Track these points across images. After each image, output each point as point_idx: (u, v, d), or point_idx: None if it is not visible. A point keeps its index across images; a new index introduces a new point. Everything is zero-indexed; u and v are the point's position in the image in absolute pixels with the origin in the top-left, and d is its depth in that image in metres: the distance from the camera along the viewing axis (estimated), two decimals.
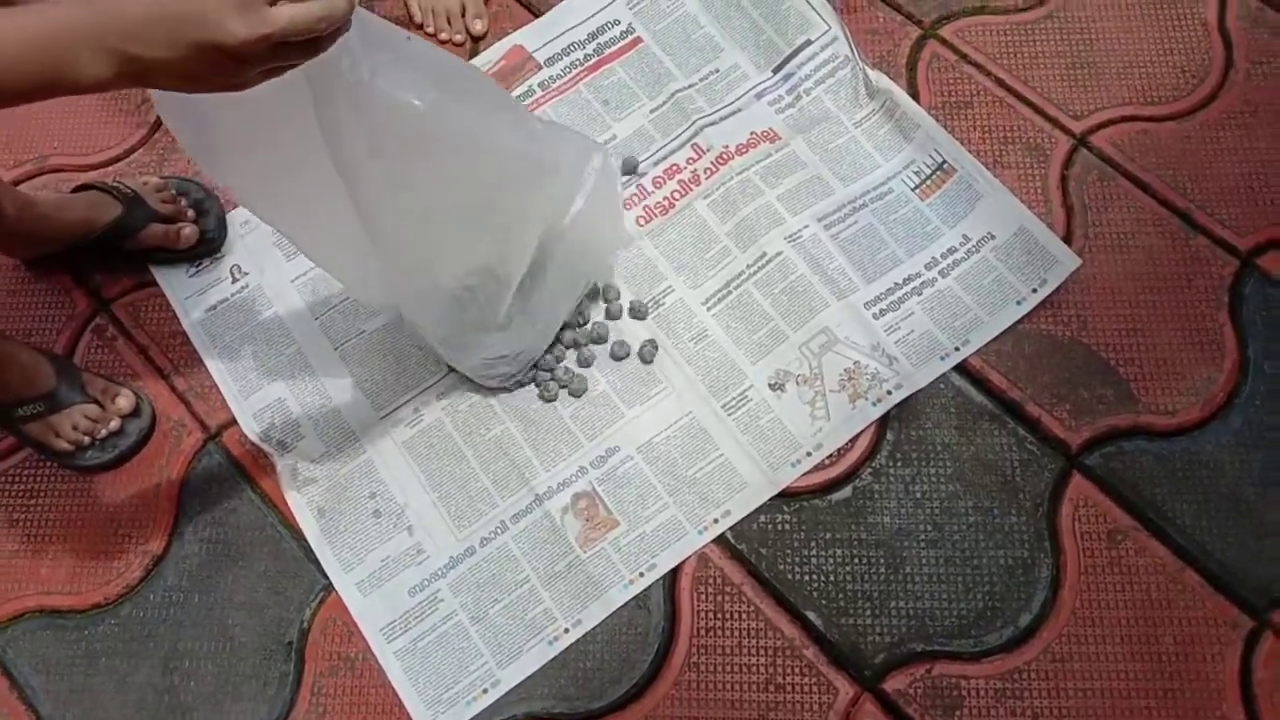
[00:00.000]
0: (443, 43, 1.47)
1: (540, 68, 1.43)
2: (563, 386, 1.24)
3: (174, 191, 1.34)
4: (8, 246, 1.30)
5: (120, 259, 1.33)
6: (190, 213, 1.33)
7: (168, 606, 1.20)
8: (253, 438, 1.25)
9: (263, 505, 1.23)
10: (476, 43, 1.47)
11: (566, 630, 1.16)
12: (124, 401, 1.25)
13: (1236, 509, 1.16)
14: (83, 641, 1.19)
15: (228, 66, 0.69)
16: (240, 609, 1.19)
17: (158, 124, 1.43)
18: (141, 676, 1.17)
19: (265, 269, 1.34)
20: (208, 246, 1.34)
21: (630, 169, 1.35)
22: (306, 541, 1.21)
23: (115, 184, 1.30)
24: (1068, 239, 1.28)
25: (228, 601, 1.20)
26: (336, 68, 0.81)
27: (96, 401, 1.24)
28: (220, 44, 0.67)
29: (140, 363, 1.30)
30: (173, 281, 1.34)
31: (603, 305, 1.28)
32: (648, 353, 1.25)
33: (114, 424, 1.24)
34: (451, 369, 1.26)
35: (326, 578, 1.19)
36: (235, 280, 1.34)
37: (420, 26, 1.48)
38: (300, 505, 1.22)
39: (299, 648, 1.17)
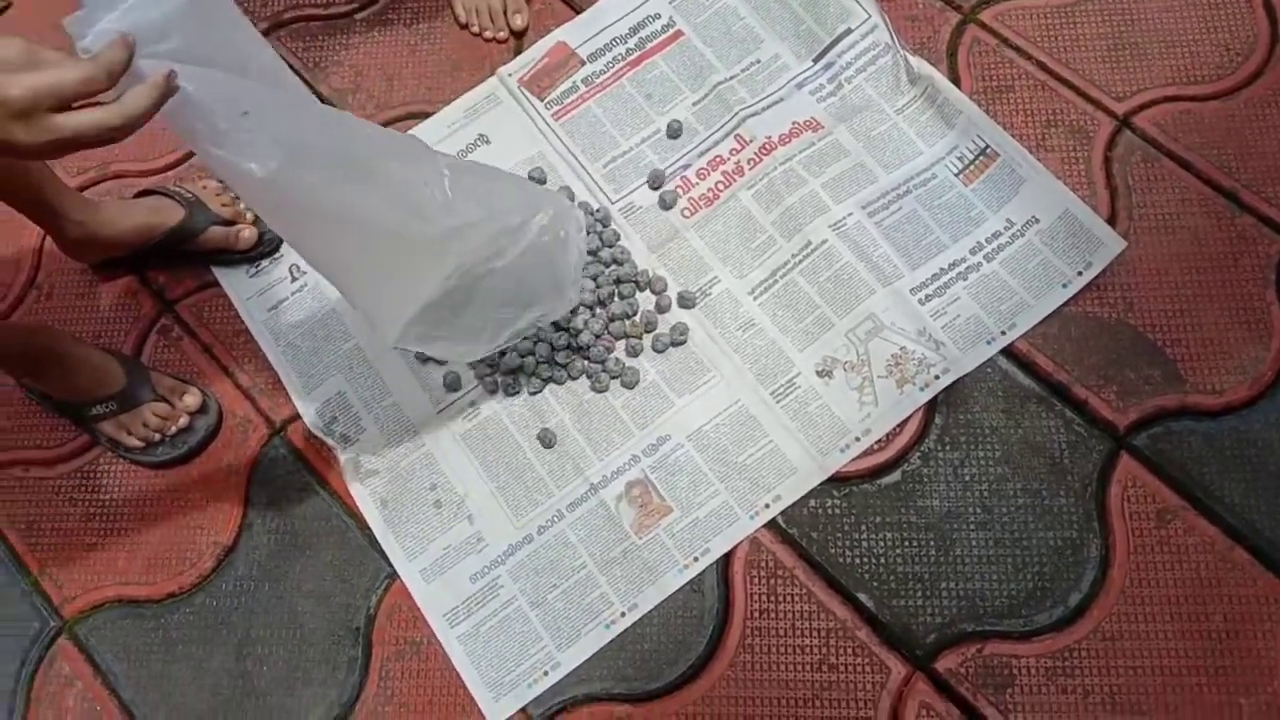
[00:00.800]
0: (487, 40, 1.50)
1: (583, 64, 1.45)
2: (614, 377, 1.27)
3: (233, 195, 1.37)
4: (75, 251, 1.33)
5: (182, 261, 1.37)
6: (249, 215, 1.37)
7: (239, 595, 1.24)
8: (316, 431, 1.29)
9: (328, 497, 1.27)
10: (519, 39, 1.50)
11: (623, 614, 1.18)
12: (191, 399, 1.29)
13: None
14: (160, 629, 1.23)
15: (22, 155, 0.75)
16: (309, 597, 1.23)
17: None
18: (216, 662, 1.21)
19: None
20: (267, 247, 1.38)
21: (656, 183, 1.37)
22: (371, 531, 1.24)
23: (176, 189, 1.34)
24: (1112, 221, 1.29)
25: (296, 590, 1.24)
26: (190, 131, 0.83)
27: (165, 400, 1.28)
28: (10, 145, 0.73)
29: (205, 361, 1.34)
30: (234, 282, 1.37)
31: (651, 297, 1.31)
32: (677, 334, 1.28)
33: (183, 421, 1.28)
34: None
35: (391, 566, 1.23)
36: (294, 279, 1.37)
37: (465, 26, 1.50)
38: (364, 496, 1.26)
39: (366, 633, 1.21)
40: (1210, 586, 1.14)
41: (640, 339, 1.28)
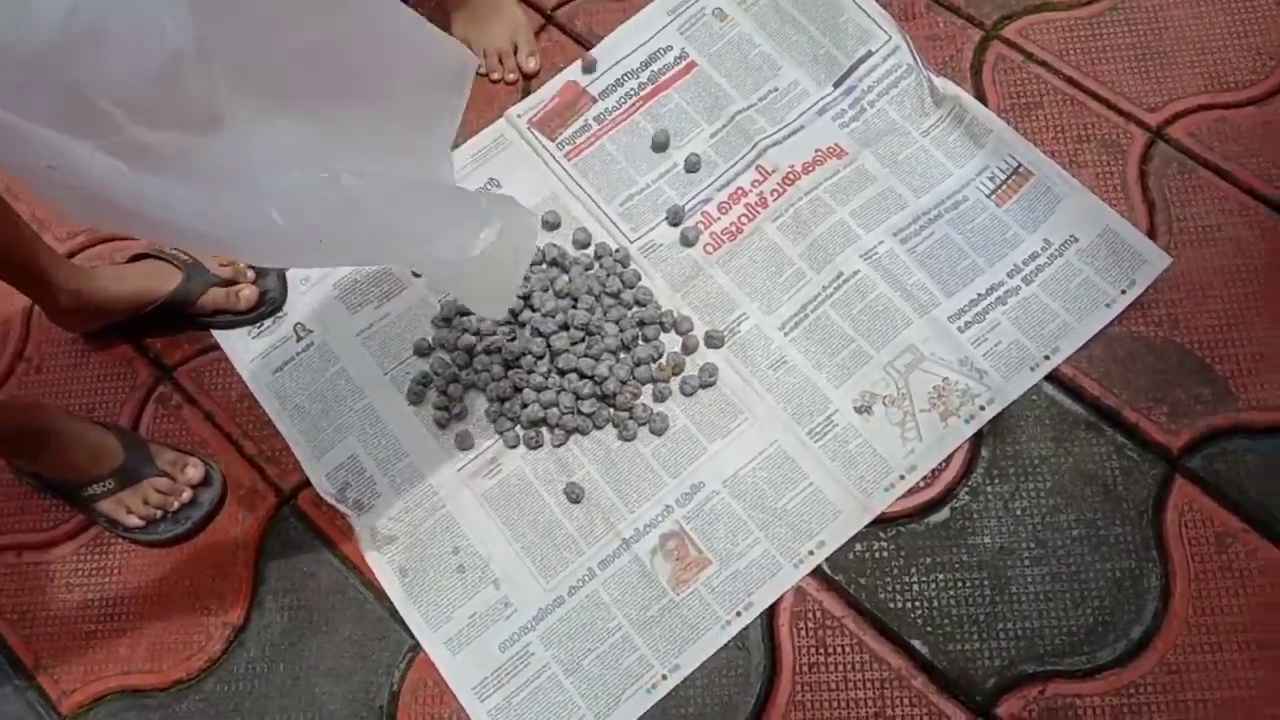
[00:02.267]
0: (495, 82, 1.61)
1: (595, 101, 1.57)
2: (642, 424, 1.37)
3: None
4: (67, 321, 1.42)
5: (181, 325, 1.47)
6: (250, 273, 1.47)
7: (252, 678, 1.31)
8: (328, 499, 1.36)
9: (343, 567, 1.35)
10: (529, 80, 1.62)
11: (664, 676, 1.26)
12: (194, 471, 1.37)
13: None
14: None
15: None
16: (327, 676, 1.31)
17: None
18: None
19: (329, 324, 1.47)
20: (269, 306, 1.48)
21: (676, 219, 1.47)
22: (390, 602, 1.32)
23: (173, 251, 1.44)
24: (1151, 235, 1.40)
25: (314, 669, 1.31)
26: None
27: (166, 474, 1.36)
28: None
29: (208, 429, 1.44)
30: (235, 344, 1.47)
31: (677, 338, 1.41)
32: (705, 375, 1.37)
33: (185, 495, 1.36)
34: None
35: (413, 638, 1.31)
36: (300, 339, 1.47)
37: None
38: (381, 565, 1.34)
39: (390, 712, 1.28)
40: (1276, 611, 1.22)
41: (668, 382, 1.38)
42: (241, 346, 1.47)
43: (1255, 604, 1.23)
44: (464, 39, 1.60)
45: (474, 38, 1.60)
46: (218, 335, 1.48)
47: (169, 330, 1.48)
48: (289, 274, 1.51)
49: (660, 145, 1.51)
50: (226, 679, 1.32)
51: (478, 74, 1.59)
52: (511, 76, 1.61)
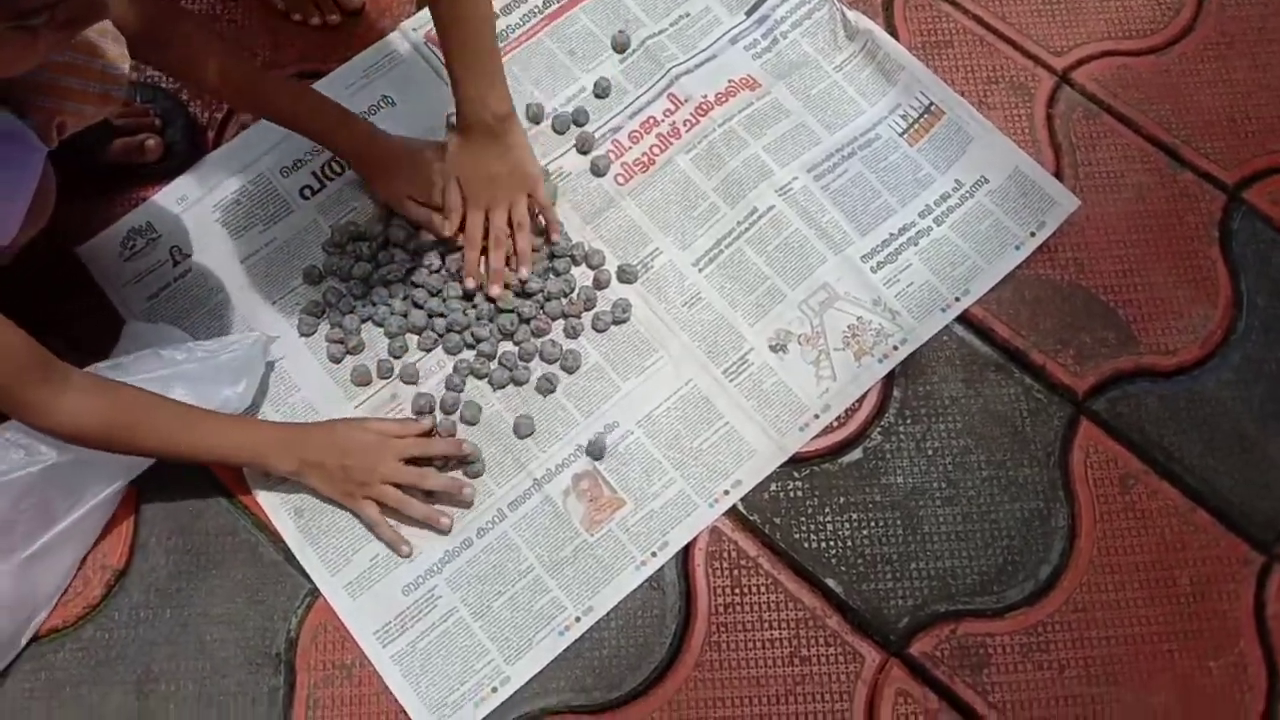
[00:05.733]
0: (314, 26, 1.46)
1: (496, 17, 1.43)
2: (552, 363, 1.28)
3: (140, 100, 1.34)
4: None
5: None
6: (158, 123, 1.34)
7: (136, 625, 1.20)
8: None
9: (232, 508, 1.24)
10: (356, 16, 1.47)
11: (578, 619, 1.20)
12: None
13: (1241, 445, 1.27)
14: (43, 670, 1.18)
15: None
16: (218, 622, 1.20)
17: None
18: (113, 704, 1.17)
19: (208, 248, 1.34)
20: (175, 161, 1.36)
21: (585, 146, 1.38)
22: (285, 544, 1.22)
23: None
24: (1059, 179, 1.37)
25: (203, 615, 1.21)
26: None
27: None
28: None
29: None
30: (108, 270, 1.32)
31: (589, 272, 1.32)
32: (618, 311, 1.29)
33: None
34: None
35: (311, 582, 1.21)
36: (176, 263, 1.33)
37: (286, 14, 1.46)
38: (275, 506, 1.23)
39: (288, 659, 1.19)
40: (1175, 550, 1.23)
41: (579, 318, 1.30)
42: (114, 270, 1.32)
43: (1155, 543, 1.23)
44: None
45: None
46: (87, 260, 1.32)
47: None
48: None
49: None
50: (107, 626, 1.20)
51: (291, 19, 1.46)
52: (334, 18, 1.46)
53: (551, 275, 1.31)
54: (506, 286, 1.29)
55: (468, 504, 1.23)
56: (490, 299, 1.29)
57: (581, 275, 1.32)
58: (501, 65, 1.23)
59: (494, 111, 1.23)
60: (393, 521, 1.21)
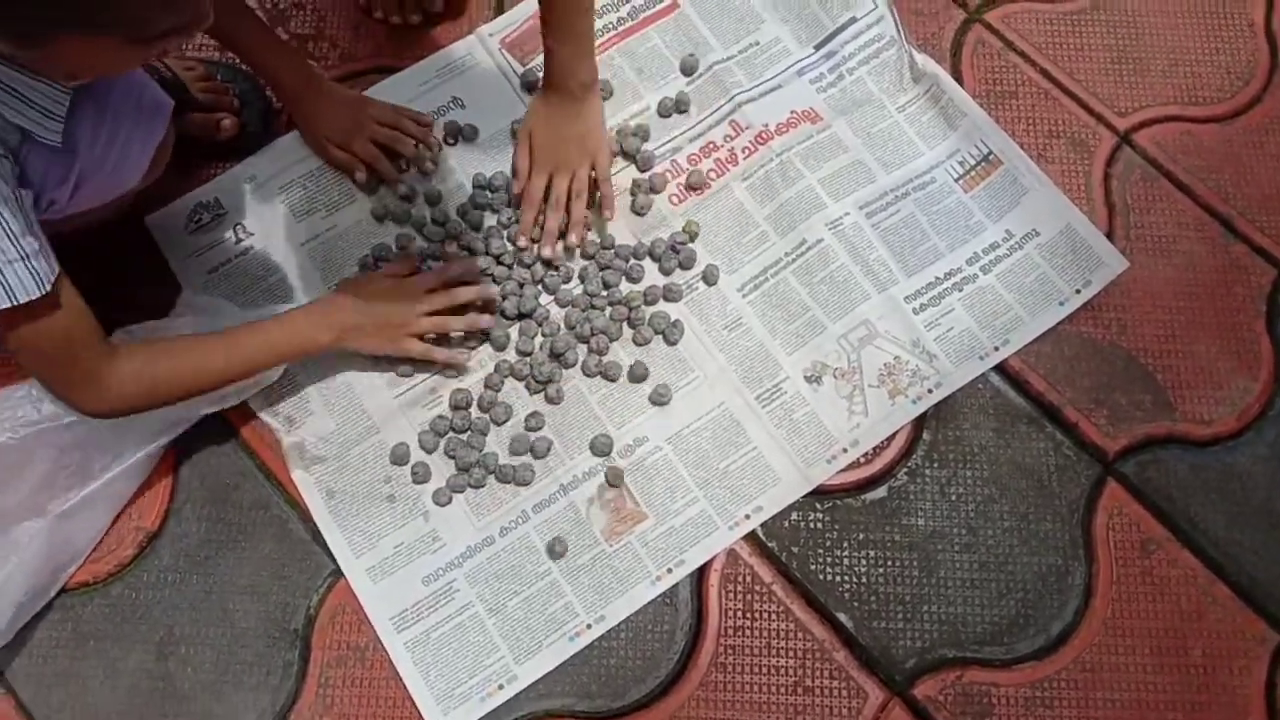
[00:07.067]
0: (395, 25, 1.47)
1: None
2: (590, 376, 1.28)
3: (220, 79, 1.36)
4: None
5: None
6: (235, 103, 1.36)
7: (163, 588, 1.22)
8: (258, 411, 1.27)
9: (267, 483, 1.26)
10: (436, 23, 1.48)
11: (589, 626, 1.20)
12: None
13: (1268, 522, 1.25)
14: (69, 622, 1.21)
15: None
16: (242, 593, 1.22)
17: None
18: (134, 661, 1.19)
19: (272, 230, 1.35)
20: (247, 142, 1.38)
21: (645, 165, 1.37)
22: (314, 523, 1.24)
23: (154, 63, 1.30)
24: (1110, 238, 1.35)
25: (229, 585, 1.22)
26: None
27: None
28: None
29: None
30: (173, 241, 1.34)
31: (638, 289, 1.32)
32: (672, 332, 1.29)
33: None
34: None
35: (335, 563, 1.22)
36: (239, 240, 1.35)
37: (368, 11, 1.47)
38: (308, 485, 1.25)
39: (305, 635, 1.20)
40: (1191, 620, 1.21)
41: (621, 330, 1.30)
42: (178, 243, 1.34)
43: (1171, 611, 1.22)
44: None
45: None
46: (154, 229, 1.35)
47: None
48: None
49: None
50: (136, 586, 1.22)
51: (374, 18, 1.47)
52: (415, 19, 1.46)
53: (603, 288, 1.31)
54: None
55: (490, 326, 1.28)
56: (545, 262, 1.31)
57: (627, 289, 1.32)
58: (594, 40, 1.27)
59: (580, 79, 1.28)
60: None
